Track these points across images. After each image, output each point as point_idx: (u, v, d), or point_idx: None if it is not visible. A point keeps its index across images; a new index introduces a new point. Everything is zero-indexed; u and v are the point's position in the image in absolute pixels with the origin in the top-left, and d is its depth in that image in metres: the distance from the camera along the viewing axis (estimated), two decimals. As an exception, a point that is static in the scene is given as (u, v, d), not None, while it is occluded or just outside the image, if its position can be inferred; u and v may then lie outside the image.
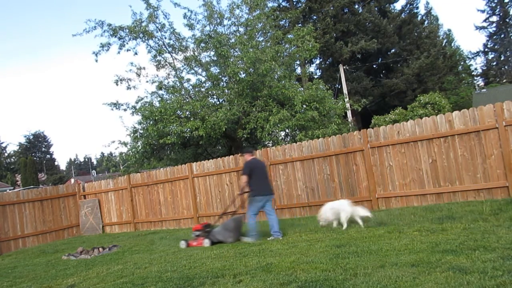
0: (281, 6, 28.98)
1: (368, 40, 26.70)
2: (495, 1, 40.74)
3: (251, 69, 13.00)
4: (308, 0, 27.53)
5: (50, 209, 12.91)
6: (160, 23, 14.12)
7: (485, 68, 43.15)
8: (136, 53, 14.64)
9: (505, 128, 7.21)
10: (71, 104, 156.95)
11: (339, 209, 7.01)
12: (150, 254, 7.69)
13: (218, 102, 14.48)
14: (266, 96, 13.19)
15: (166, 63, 15.08)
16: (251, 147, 8.24)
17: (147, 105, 13.83)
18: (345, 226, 6.90)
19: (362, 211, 6.94)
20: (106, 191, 13.36)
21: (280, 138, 14.26)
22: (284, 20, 25.47)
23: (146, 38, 14.20)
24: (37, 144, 71.01)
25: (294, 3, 29.22)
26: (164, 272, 5.72)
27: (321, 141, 9.47)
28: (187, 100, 14.05)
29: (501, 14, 40.80)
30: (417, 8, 41.50)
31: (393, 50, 30.17)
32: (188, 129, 12.68)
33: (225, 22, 14.83)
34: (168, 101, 13.77)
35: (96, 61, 14.48)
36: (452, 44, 45.92)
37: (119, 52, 14.10)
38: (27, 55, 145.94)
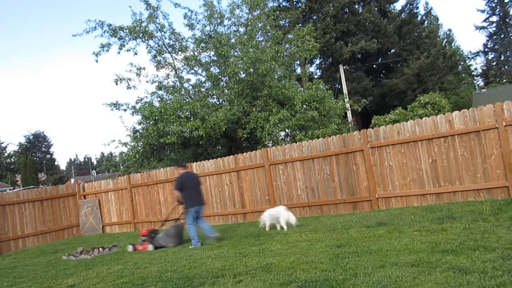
0: (281, 6, 28.99)
1: (368, 40, 26.70)
2: (495, 1, 40.75)
3: (251, 69, 13.01)
4: (308, 0, 27.53)
5: (50, 209, 12.91)
6: (160, 23, 14.14)
7: (485, 68, 43.16)
8: (136, 53, 14.67)
9: (505, 128, 7.21)
10: (71, 104, 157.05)
11: (277, 215, 7.96)
12: (150, 254, 7.69)
13: (218, 102, 14.49)
14: (266, 96, 13.19)
15: (166, 63, 15.09)
16: (184, 161, 8.79)
17: (147, 105, 13.84)
18: (285, 228, 7.81)
19: (293, 219, 7.94)
20: (106, 191, 13.36)
21: (280, 138, 14.26)
22: (284, 20, 25.49)
23: (146, 38, 14.21)
24: (37, 144, 70.99)
25: (294, 3, 29.22)
26: (164, 272, 5.72)
27: (321, 141, 9.47)
28: (187, 100, 14.06)
29: (501, 14, 40.80)
30: (417, 8, 41.40)
31: (393, 50, 30.17)
32: (188, 129, 12.68)
33: (225, 22, 14.87)
34: (168, 101, 13.78)
35: (97, 61, 14.50)
36: (452, 44, 45.92)
37: (119, 52, 14.12)
38: (27, 55, 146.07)
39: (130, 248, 8.66)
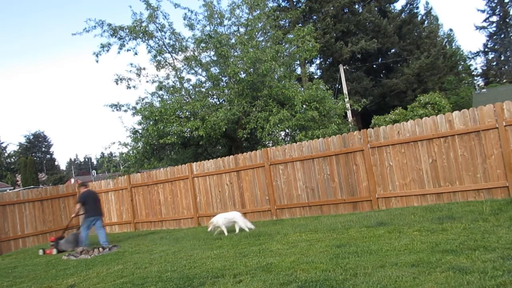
0: (281, 6, 28.99)
1: (368, 40, 26.71)
2: (495, 1, 40.77)
3: (251, 69, 13.01)
4: (308, 0, 27.53)
5: (50, 209, 12.91)
6: (160, 23, 14.16)
7: (485, 68, 43.19)
8: (136, 53, 14.69)
9: (505, 128, 7.21)
10: (71, 104, 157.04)
11: (233, 219, 8.45)
12: (150, 254, 7.69)
13: (218, 102, 14.49)
14: (266, 96, 13.19)
15: (166, 63, 15.10)
16: (86, 182, 11.11)
17: (147, 105, 13.84)
18: (247, 229, 8.28)
19: (250, 224, 8.57)
20: (106, 191, 13.36)
21: (280, 138, 14.26)
22: (284, 20, 25.48)
23: (146, 38, 14.21)
24: (37, 144, 71.04)
25: (294, 3, 29.22)
26: (164, 272, 5.73)
27: (321, 141, 9.47)
28: (187, 100, 14.07)
29: (501, 14, 40.82)
30: (417, 8, 41.42)
31: (393, 50, 30.19)
32: (188, 129, 12.69)
33: (226, 22, 14.86)
34: (168, 101, 13.79)
35: (97, 61, 14.50)
36: (452, 44, 45.93)
37: (119, 52, 14.15)
38: (27, 55, 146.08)
39: (40, 252, 10.16)
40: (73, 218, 10.74)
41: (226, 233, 8.30)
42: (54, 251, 9.99)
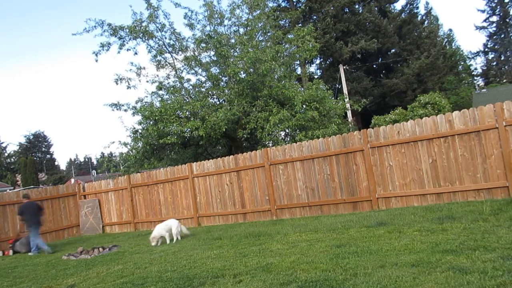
0: (281, 6, 29.00)
1: (368, 40, 26.71)
2: (495, 1, 40.76)
3: (251, 69, 13.01)
4: (308, 0, 27.53)
5: (50, 209, 12.91)
6: (160, 23, 14.16)
7: (485, 68, 43.19)
8: (136, 53, 14.70)
9: (505, 128, 7.21)
10: (71, 104, 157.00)
11: (170, 226, 8.83)
12: (150, 254, 7.69)
13: (218, 102, 14.49)
14: (266, 96, 13.18)
15: (166, 63, 15.10)
16: (27, 194, 11.24)
17: (147, 105, 13.84)
18: (175, 239, 8.73)
19: (185, 228, 9.13)
20: (106, 191, 13.36)
21: (280, 138, 14.26)
22: (284, 20, 25.49)
23: (146, 38, 14.21)
24: (37, 144, 70.98)
25: (294, 3, 29.23)
26: (164, 272, 5.73)
27: (321, 141, 9.47)
28: (187, 100, 14.06)
29: (501, 14, 40.81)
30: (417, 8, 41.40)
31: (393, 50, 30.18)
32: (188, 129, 12.68)
33: (226, 22, 14.87)
34: (168, 101, 13.79)
35: (96, 61, 14.51)
36: (452, 44, 45.92)
37: (119, 52, 14.14)
38: (27, 55, 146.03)
39: None
40: (21, 226, 11.39)
41: (168, 241, 8.66)
42: (11, 252, 11.10)
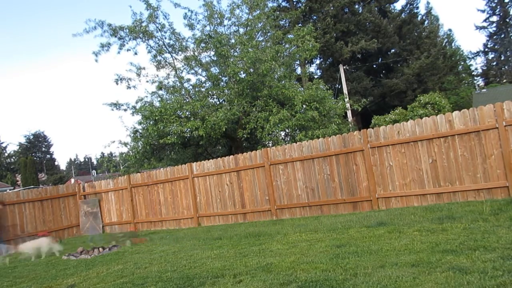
0: (281, 6, 28.99)
1: (368, 40, 26.70)
2: (495, 1, 40.78)
3: (251, 69, 13.00)
4: (308, 0, 27.53)
5: (50, 209, 12.91)
6: (160, 23, 14.15)
7: (485, 68, 43.20)
8: (136, 53, 14.69)
9: (505, 128, 7.21)
10: (71, 104, 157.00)
11: (40, 245, 9.36)
12: (150, 254, 7.69)
13: (218, 102, 14.49)
14: (266, 96, 13.18)
15: (166, 63, 15.10)
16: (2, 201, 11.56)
17: (147, 105, 13.83)
18: (43, 256, 9.18)
19: (57, 247, 9.63)
20: (106, 191, 13.36)
21: (280, 138, 14.25)
22: (284, 20, 25.48)
23: (146, 38, 14.22)
24: (37, 144, 70.95)
25: (294, 3, 29.22)
26: (164, 272, 5.73)
27: (321, 141, 9.47)
28: (187, 100, 14.07)
29: (501, 14, 40.83)
30: (417, 8, 41.59)
31: (393, 50, 30.17)
32: (188, 129, 12.68)
33: (225, 22, 14.87)
34: (168, 101, 13.78)
35: (96, 61, 14.50)
36: (452, 44, 45.94)
37: (119, 52, 14.15)
38: (28, 55, 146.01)
39: None
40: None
41: (33, 259, 9.07)
42: None
